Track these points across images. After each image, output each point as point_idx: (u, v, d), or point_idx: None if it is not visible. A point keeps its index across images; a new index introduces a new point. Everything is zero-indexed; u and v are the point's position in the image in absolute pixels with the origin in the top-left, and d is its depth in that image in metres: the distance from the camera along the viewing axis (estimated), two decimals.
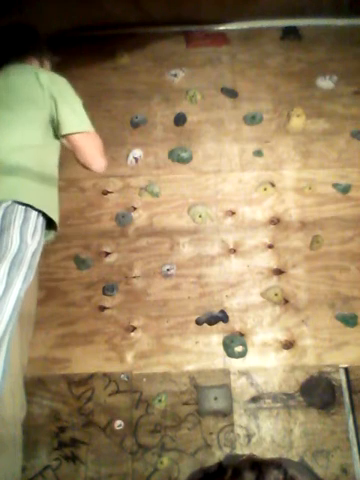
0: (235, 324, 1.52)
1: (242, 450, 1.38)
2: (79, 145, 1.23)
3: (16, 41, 1.29)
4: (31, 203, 1.11)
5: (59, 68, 1.79)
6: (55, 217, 1.20)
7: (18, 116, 1.16)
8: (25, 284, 1.07)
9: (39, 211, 1.15)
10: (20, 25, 1.33)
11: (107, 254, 1.61)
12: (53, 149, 1.27)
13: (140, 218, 1.64)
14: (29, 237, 1.09)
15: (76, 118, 1.22)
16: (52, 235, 1.29)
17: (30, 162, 1.15)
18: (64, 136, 1.22)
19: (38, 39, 1.36)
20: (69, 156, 1.72)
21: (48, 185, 1.20)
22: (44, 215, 1.18)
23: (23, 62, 1.28)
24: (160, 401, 1.43)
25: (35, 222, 1.12)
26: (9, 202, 1.09)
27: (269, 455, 1.37)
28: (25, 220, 1.09)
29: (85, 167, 1.27)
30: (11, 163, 1.11)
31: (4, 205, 1.08)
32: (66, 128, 1.20)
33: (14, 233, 1.06)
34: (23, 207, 1.10)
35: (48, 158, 1.24)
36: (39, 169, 1.17)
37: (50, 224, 1.22)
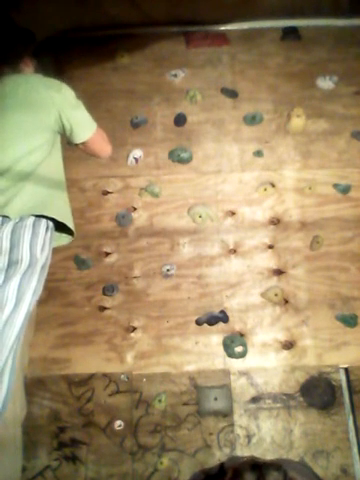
0: (235, 324, 1.52)
1: (242, 450, 1.38)
2: (90, 145, 1.32)
3: (11, 44, 1.30)
4: (42, 213, 1.13)
5: (60, 68, 1.80)
6: (68, 222, 1.23)
7: (25, 122, 1.17)
8: (34, 297, 1.10)
9: (49, 219, 1.17)
10: (12, 26, 1.34)
11: (107, 254, 1.61)
12: (58, 153, 1.31)
13: (140, 218, 1.64)
14: (38, 252, 1.11)
15: (85, 123, 1.29)
16: (67, 239, 1.33)
17: (38, 168, 1.16)
18: (78, 143, 1.30)
19: (30, 41, 1.38)
20: (69, 156, 1.72)
21: (57, 190, 1.23)
22: (54, 221, 1.19)
23: (20, 65, 1.29)
24: (160, 401, 1.43)
25: (44, 236, 1.14)
26: (18, 218, 1.10)
27: (269, 455, 1.37)
28: (34, 235, 1.12)
29: (94, 156, 1.40)
30: (19, 170, 1.12)
31: (13, 221, 1.11)
32: (80, 137, 1.27)
33: (24, 248, 1.08)
34: (32, 221, 1.13)
35: (55, 163, 1.28)
36: (47, 175, 1.19)
37: (62, 227, 1.24)
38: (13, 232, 1.09)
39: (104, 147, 1.37)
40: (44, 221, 1.16)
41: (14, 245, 1.08)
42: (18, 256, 1.07)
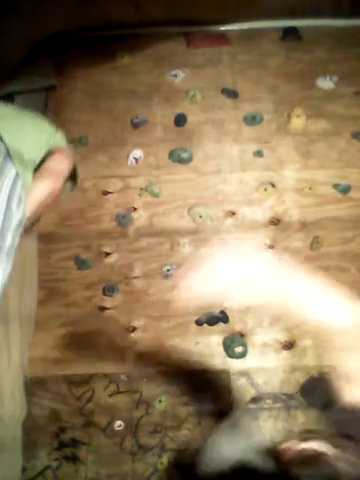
0: (235, 325, 1.52)
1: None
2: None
3: None
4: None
5: (60, 68, 1.80)
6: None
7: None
8: (9, 261, 0.99)
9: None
10: None
11: (107, 254, 1.61)
12: None
13: (140, 218, 1.64)
14: (14, 205, 1.03)
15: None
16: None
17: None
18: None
19: None
20: None
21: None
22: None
23: None
24: (160, 402, 1.43)
25: (20, 192, 1.05)
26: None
27: None
28: (13, 187, 1.04)
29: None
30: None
31: None
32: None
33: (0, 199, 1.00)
34: (13, 173, 1.05)
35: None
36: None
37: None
38: None
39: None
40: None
41: None
42: None
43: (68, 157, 1.20)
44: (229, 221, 1.64)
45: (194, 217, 1.64)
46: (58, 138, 1.22)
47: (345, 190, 1.65)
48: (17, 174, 1.06)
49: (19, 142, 1.13)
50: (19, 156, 1.11)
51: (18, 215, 1.03)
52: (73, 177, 1.23)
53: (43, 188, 1.13)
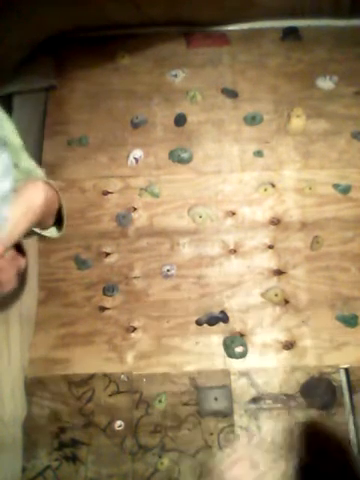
0: (235, 325, 1.52)
1: (242, 451, 1.38)
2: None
3: None
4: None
5: (60, 69, 1.80)
6: None
7: None
8: None
9: None
10: None
11: (107, 254, 1.61)
12: None
13: (140, 218, 1.64)
14: None
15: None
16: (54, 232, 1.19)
17: None
18: None
19: None
20: (69, 156, 1.73)
21: None
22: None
23: None
24: (160, 402, 1.43)
25: (6, 163, 0.95)
26: None
27: (270, 456, 1.37)
28: None
29: None
30: None
31: None
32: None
33: None
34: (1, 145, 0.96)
35: None
36: None
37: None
38: None
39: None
40: None
41: None
42: None
43: (49, 191, 1.07)
44: (229, 221, 1.64)
45: (194, 217, 1.64)
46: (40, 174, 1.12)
47: (345, 190, 1.65)
48: (5, 143, 0.99)
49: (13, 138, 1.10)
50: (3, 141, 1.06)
51: (3, 186, 0.93)
52: (59, 221, 1.18)
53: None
